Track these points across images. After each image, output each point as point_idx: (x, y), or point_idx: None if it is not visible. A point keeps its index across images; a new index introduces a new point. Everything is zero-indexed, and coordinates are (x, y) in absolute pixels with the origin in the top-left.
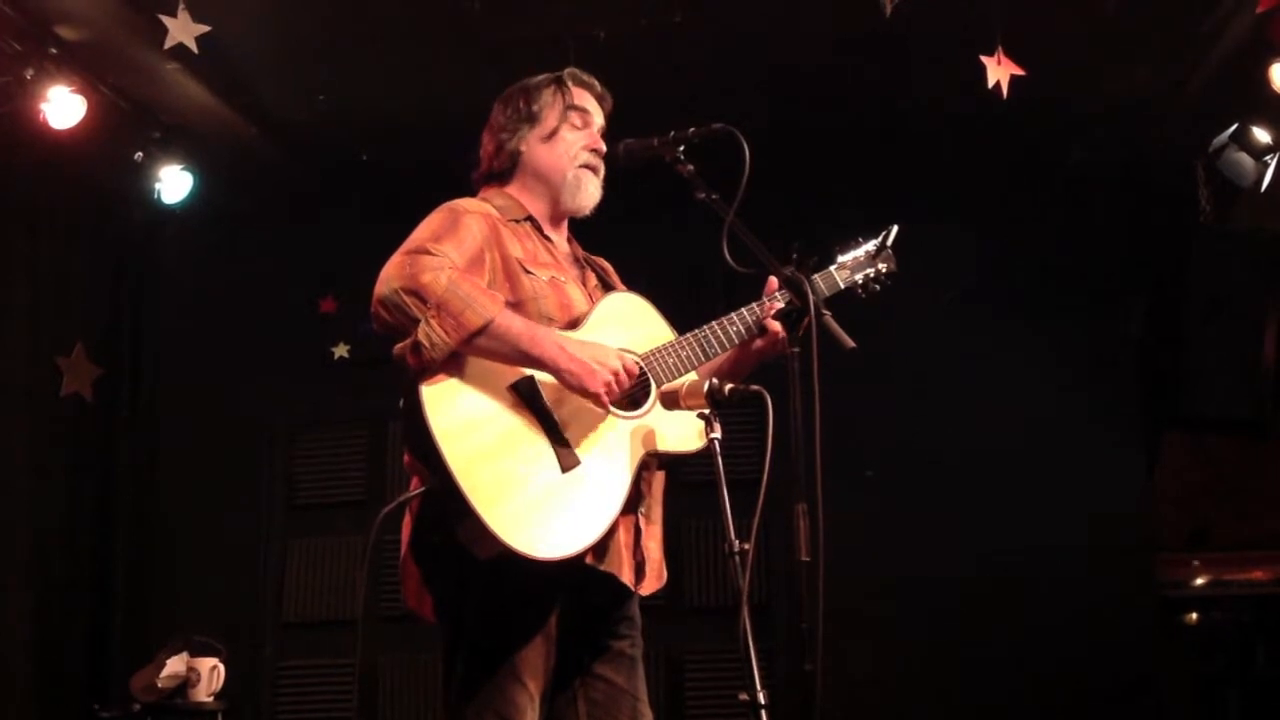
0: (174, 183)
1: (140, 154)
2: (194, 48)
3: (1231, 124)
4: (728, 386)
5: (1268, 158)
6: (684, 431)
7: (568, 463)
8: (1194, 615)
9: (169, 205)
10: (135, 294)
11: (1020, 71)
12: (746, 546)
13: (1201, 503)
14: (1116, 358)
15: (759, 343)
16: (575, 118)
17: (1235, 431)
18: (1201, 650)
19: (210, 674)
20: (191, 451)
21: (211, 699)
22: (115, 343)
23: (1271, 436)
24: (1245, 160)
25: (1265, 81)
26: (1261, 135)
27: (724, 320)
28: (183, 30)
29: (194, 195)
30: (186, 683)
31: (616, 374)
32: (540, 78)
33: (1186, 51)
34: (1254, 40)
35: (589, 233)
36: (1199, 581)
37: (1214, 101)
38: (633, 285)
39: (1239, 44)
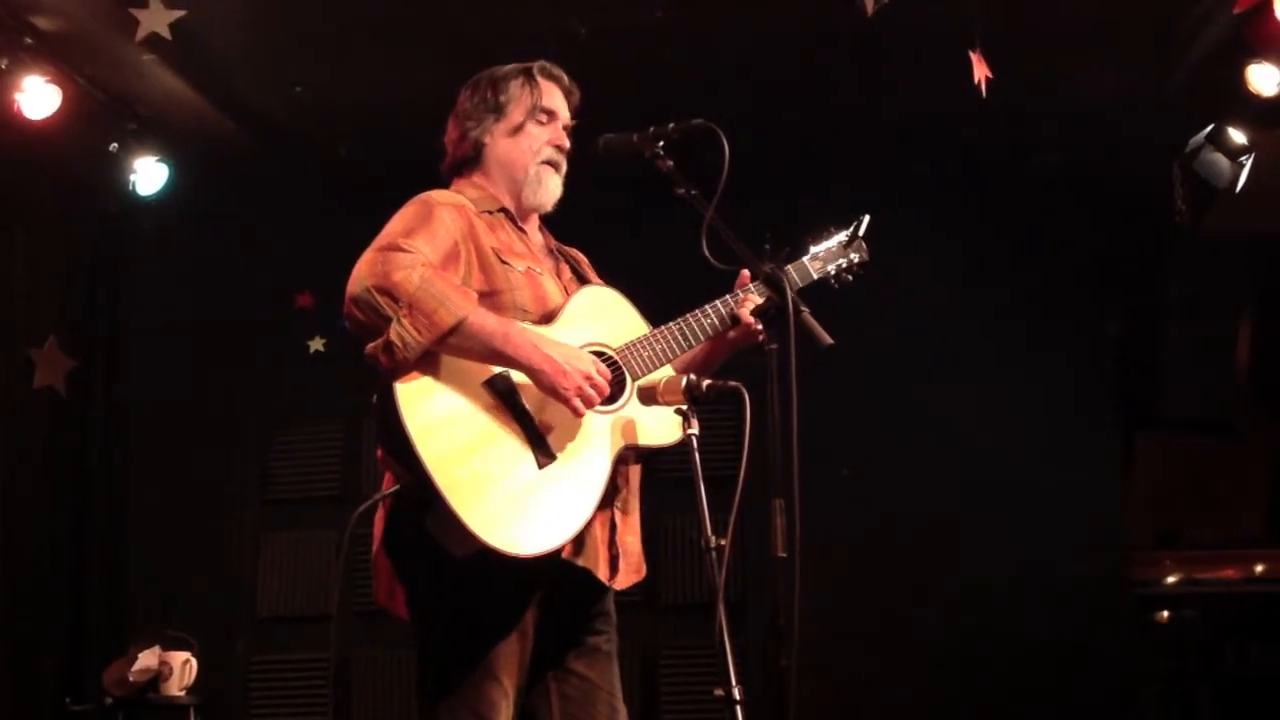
0: (149, 174)
1: (115, 145)
2: (167, 35)
3: (1208, 125)
4: (705, 383)
5: (1243, 159)
6: (660, 425)
7: (544, 459)
8: (1165, 613)
9: (144, 197)
10: (109, 286)
11: (989, 75)
12: (723, 543)
13: (1174, 502)
14: (1093, 358)
15: (733, 333)
16: (542, 115)
17: (1209, 432)
18: (1173, 648)
19: (183, 668)
20: (166, 445)
21: (184, 693)
22: (89, 335)
23: (1244, 437)
24: (1221, 161)
25: (1242, 82)
26: (1237, 136)
27: (698, 313)
28: (155, 19)
29: (169, 187)
30: (159, 676)
31: (588, 377)
32: (509, 68)
33: (1164, 52)
34: (1231, 41)
35: (568, 226)
36: (1170, 580)
37: (1191, 102)
38: (607, 277)
39: (1216, 45)
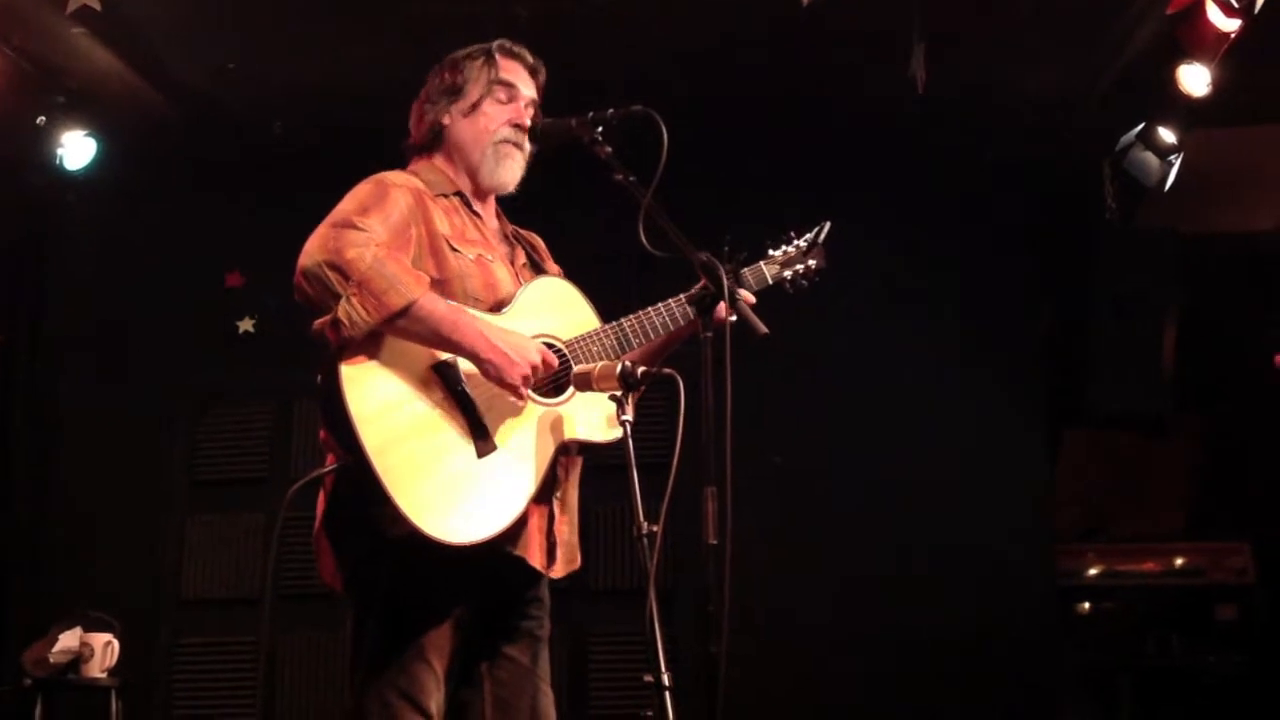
0: (77, 149)
1: (43, 118)
2: (98, 6)
3: (1139, 124)
4: (640, 369)
5: (1172, 158)
6: (602, 420)
7: (484, 448)
8: (1086, 605)
9: (71, 172)
10: (35, 261)
11: (923, 75)
12: (655, 529)
13: (1098, 496)
14: (1022, 352)
15: (682, 331)
16: (500, 92)
17: (1134, 427)
18: (1094, 639)
19: (104, 650)
20: (92, 424)
21: (105, 675)
22: (13, 311)
23: (1168, 434)
24: (1151, 160)
25: (1173, 82)
26: (1167, 135)
27: (650, 310)
28: None
29: (97, 162)
30: (80, 658)
31: (535, 367)
32: (471, 49)
33: (1097, 51)
34: (1163, 42)
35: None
36: (1093, 572)
37: (1123, 101)
38: (564, 263)
39: (1148, 45)
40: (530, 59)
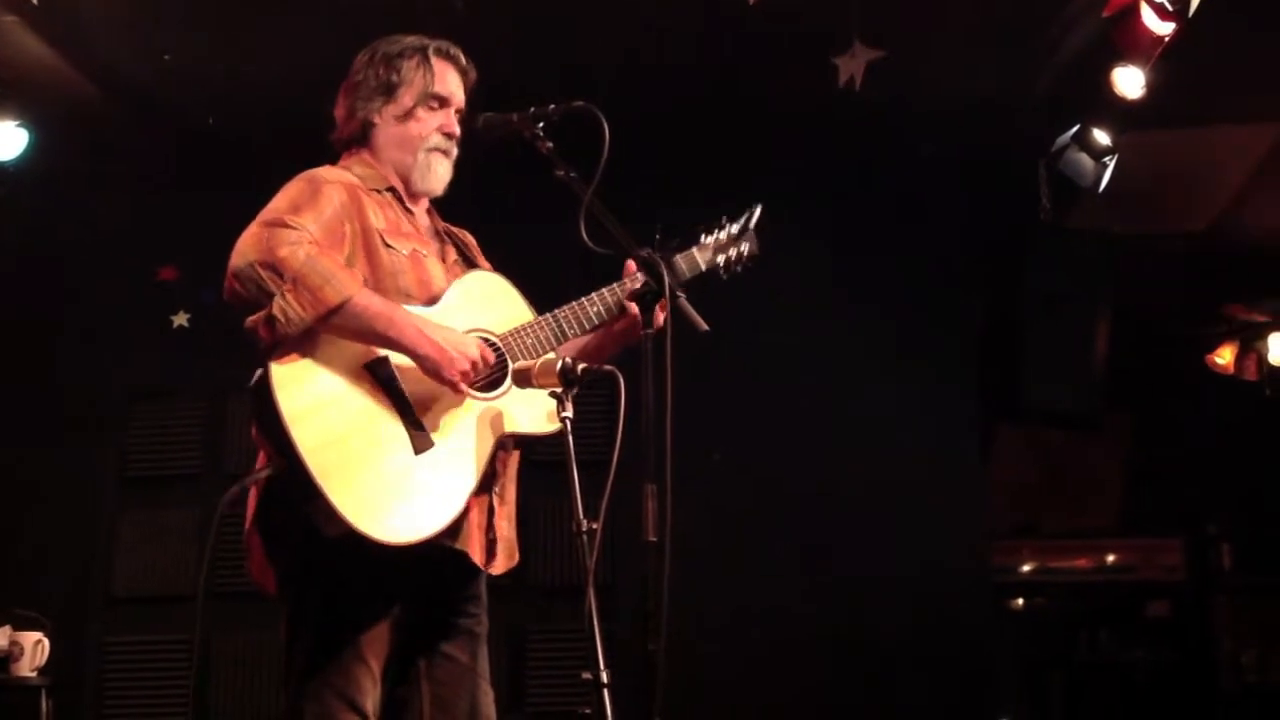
0: (8, 139)
1: None
2: None
3: (1074, 125)
4: (580, 366)
5: (1106, 159)
6: (540, 413)
7: (421, 445)
8: (1020, 601)
9: (2, 163)
10: None
11: (880, 53)
12: (595, 526)
13: (1031, 493)
14: (956, 350)
15: (620, 324)
16: (433, 101)
17: (1067, 425)
18: (1027, 635)
19: (34, 648)
20: (21, 420)
21: (35, 674)
22: None
23: (1101, 431)
24: (1085, 161)
25: (1107, 85)
26: (1101, 137)
27: (583, 301)
28: None
29: (29, 153)
30: (9, 657)
31: (474, 362)
32: (405, 44)
33: (1034, 52)
34: (1099, 44)
35: (448, 207)
36: (1026, 568)
37: (1059, 102)
38: (493, 260)
39: (1085, 47)
40: (464, 61)
